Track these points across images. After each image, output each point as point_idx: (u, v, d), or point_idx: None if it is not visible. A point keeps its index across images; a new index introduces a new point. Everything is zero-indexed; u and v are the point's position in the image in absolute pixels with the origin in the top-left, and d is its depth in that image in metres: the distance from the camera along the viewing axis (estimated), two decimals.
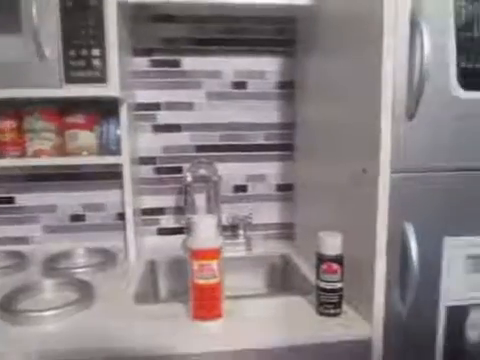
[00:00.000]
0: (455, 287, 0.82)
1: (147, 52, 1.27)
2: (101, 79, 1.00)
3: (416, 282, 0.78)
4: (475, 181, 0.80)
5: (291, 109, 1.33)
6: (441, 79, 0.75)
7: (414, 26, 0.72)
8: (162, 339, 0.78)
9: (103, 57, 0.98)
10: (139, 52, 1.27)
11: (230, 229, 1.34)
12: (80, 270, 1.08)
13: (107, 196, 1.30)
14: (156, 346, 0.76)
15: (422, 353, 0.83)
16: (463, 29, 0.74)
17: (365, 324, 0.82)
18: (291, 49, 1.30)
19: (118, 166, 1.14)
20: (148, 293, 1.08)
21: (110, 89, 1.02)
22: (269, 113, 1.34)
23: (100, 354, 0.75)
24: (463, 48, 0.75)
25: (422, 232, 0.78)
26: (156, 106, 1.29)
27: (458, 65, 0.75)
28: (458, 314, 0.83)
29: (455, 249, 0.81)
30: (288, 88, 1.33)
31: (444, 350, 0.83)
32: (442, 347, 0.83)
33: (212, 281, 0.82)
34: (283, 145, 1.36)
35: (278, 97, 1.34)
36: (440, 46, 0.74)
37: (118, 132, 1.13)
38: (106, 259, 1.14)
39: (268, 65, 1.32)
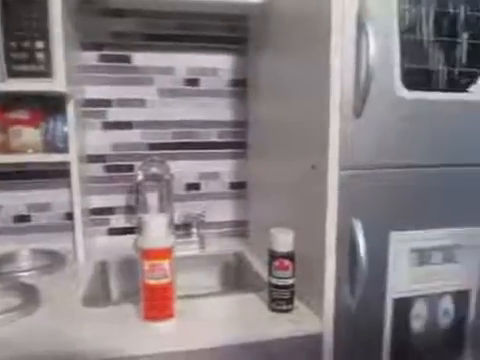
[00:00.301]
0: (400, 280, 0.85)
1: (96, 47, 1.23)
2: (46, 73, 0.96)
3: (364, 276, 0.80)
4: (419, 178, 0.83)
5: (244, 107, 1.33)
6: (386, 79, 0.78)
7: (360, 27, 0.74)
8: (112, 341, 0.76)
9: (47, 50, 0.94)
10: (88, 46, 1.22)
11: (183, 228, 1.33)
12: (25, 273, 1.03)
13: (54, 195, 1.25)
14: (105, 349, 0.74)
15: (370, 346, 0.86)
16: (407, 31, 0.77)
17: (316, 319, 0.84)
18: (243, 47, 1.30)
19: (65, 164, 1.10)
20: (98, 295, 1.05)
21: (56, 84, 0.98)
22: (222, 111, 1.34)
23: None
24: (407, 49, 0.77)
25: (369, 228, 0.81)
26: (106, 102, 1.26)
27: (402, 66, 0.78)
28: (403, 306, 0.86)
29: (400, 243, 0.84)
30: (241, 86, 1.33)
31: (391, 342, 0.86)
32: (389, 339, 0.86)
33: (163, 281, 0.80)
34: (236, 143, 1.36)
35: (231, 95, 1.34)
36: (385, 47, 0.76)
37: (65, 129, 1.09)
38: (53, 261, 1.10)
39: (221, 62, 1.32)
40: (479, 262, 0.89)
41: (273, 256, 0.85)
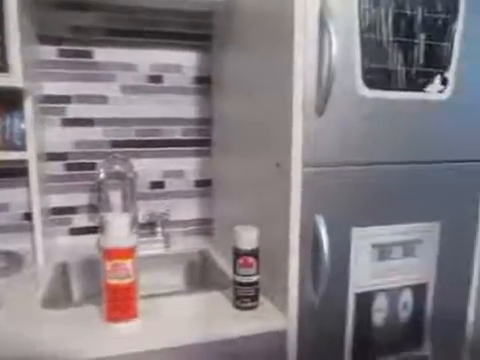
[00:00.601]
0: (362, 275, 0.87)
1: (55, 41, 1.19)
2: (1, 68, 0.92)
3: (327, 272, 0.81)
4: (380, 175, 0.85)
5: (208, 104, 1.33)
6: (348, 78, 0.79)
7: (322, 26, 0.75)
8: (73, 344, 0.74)
9: (2, 44, 0.90)
10: (46, 41, 1.19)
11: (148, 227, 1.31)
12: None
13: (11, 195, 1.21)
14: (67, 351, 0.72)
15: (334, 340, 0.87)
16: (367, 31, 0.78)
17: (280, 316, 0.84)
18: (208, 44, 1.30)
19: (24, 162, 1.06)
20: (59, 297, 1.02)
21: (12, 79, 0.94)
22: (186, 108, 1.33)
23: None
24: (367, 49, 0.79)
25: (332, 224, 0.82)
26: (66, 99, 1.22)
27: (363, 65, 0.79)
28: (365, 300, 0.88)
29: (362, 239, 0.85)
30: (205, 83, 1.32)
31: (353, 336, 0.88)
32: (351, 333, 0.88)
33: (126, 281, 0.79)
34: (201, 141, 1.35)
35: (195, 92, 1.33)
36: (346, 46, 0.78)
37: (23, 126, 1.05)
38: (10, 263, 1.06)
39: (185, 59, 1.30)
40: (437, 256, 0.92)
41: (237, 254, 0.85)
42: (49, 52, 1.19)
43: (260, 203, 0.94)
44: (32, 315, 0.84)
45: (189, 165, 1.36)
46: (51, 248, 1.18)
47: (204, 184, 1.38)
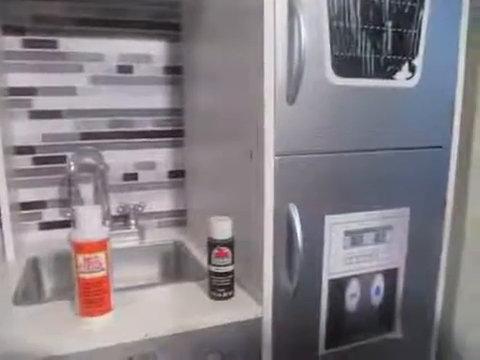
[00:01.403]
0: (335, 262, 0.88)
1: (18, 31, 1.15)
2: None
3: (301, 260, 0.82)
4: (352, 162, 0.86)
5: (180, 95, 1.31)
6: (318, 66, 0.79)
7: (292, 13, 0.75)
8: (46, 340, 0.73)
9: None
10: (9, 31, 1.14)
11: (121, 219, 1.30)
12: None
13: None
14: (40, 348, 0.71)
15: (308, 327, 0.89)
16: (336, 18, 0.78)
17: (256, 305, 0.85)
18: (177, 33, 1.28)
19: None
20: (30, 293, 1.00)
21: None
22: (157, 98, 1.31)
23: None
24: (336, 37, 0.79)
25: (305, 212, 0.83)
26: (32, 90, 1.19)
27: (332, 53, 0.80)
28: (339, 286, 0.89)
29: (335, 226, 0.86)
30: (176, 73, 1.30)
31: (327, 322, 0.89)
32: (325, 319, 0.89)
33: (99, 274, 0.78)
34: (173, 131, 1.34)
35: (166, 82, 1.31)
36: (316, 34, 0.78)
37: None
38: None
39: (154, 49, 1.28)
40: (407, 241, 0.94)
41: (212, 244, 0.85)
42: (12, 43, 1.15)
43: (233, 193, 0.94)
44: (3, 312, 0.82)
45: (161, 156, 1.34)
46: (21, 243, 1.16)
47: (177, 175, 1.37)
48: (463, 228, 0.99)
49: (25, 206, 1.23)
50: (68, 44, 1.20)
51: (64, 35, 1.19)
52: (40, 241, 1.23)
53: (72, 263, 0.78)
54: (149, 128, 1.31)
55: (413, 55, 0.86)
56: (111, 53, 1.24)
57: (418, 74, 0.87)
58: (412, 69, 0.87)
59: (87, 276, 0.77)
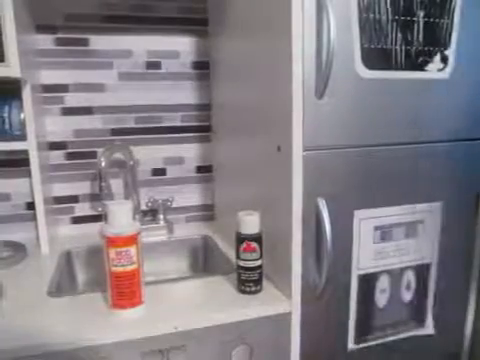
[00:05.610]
0: (365, 257, 0.87)
1: (51, 29, 1.18)
2: None
3: (330, 255, 0.81)
4: (381, 156, 0.85)
5: (207, 90, 1.32)
6: (347, 59, 0.78)
7: (320, 7, 0.74)
8: (80, 331, 0.75)
9: None
10: (42, 29, 1.17)
11: (150, 214, 1.32)
12: None
13: (14, 185, 1.21)
14: (74, 339, 0.73)
15: (337, 323, 0.88)
16: (365, 10, 0.77)
17: (284, 299, 0.85)
18: (204, 28, 1.28)
19: (25, 152, 1.05)
20: (64, 285, 1.02)
21: (10, 69, 0.93)
22: (185, 94, 1.32)
23: (8, 355, 0.70)
24: (366, 29, 0.78)
25: (334, 207, 0.82)
26: (64, 87, 1.21)
27: (362, 46, 0.78)
28: (368, 282, 0.88)
29: (364, 221, 0.85)
30: (203, 68, 1.31)
31: (357, 317, 0.89)
32: (355, 314, 0.89)
33: (130, 268, 0.79)
34: (200, 126, 1.34)
35: (194, 78, 1.31)
36: (345, 27, 0.77)
37: (22, 116, 1.05)
38: (15, 252, 1.07)
39: (182, 45, 1.29)
40: (438, 236, 0.92)
41: (240, 238, 0.85)
42: (46, 41, 1.18)
43: (261, 188, 0.94)
44: (38, 304, 0.85)
45: (189, 151, 1.35)
46: (54, 237, 1.19)
47: (205, 170, 1.38)
48: None
49: (58, 200, 1.26)
50: (98, 41, 1.22)
51: (94, 33, 1.21)
52: (72, 235, 1.26)
53: (104, 257, 0.80)
54: (177, 124, 1.33)
55: (445, 45, 0.84)
56: (139, 49, 1.26)
57: (451, 65, 0.85)
58: (444, 60, 0.85)
59: (119, 269, 0.79)
